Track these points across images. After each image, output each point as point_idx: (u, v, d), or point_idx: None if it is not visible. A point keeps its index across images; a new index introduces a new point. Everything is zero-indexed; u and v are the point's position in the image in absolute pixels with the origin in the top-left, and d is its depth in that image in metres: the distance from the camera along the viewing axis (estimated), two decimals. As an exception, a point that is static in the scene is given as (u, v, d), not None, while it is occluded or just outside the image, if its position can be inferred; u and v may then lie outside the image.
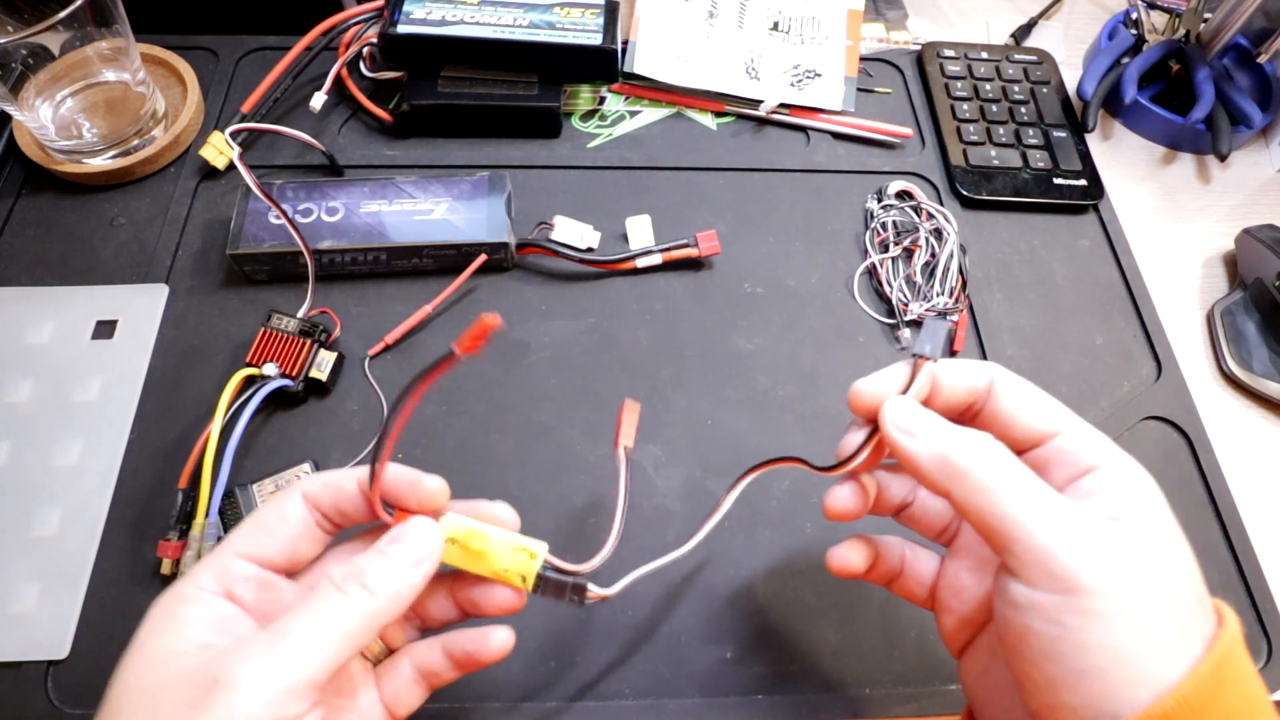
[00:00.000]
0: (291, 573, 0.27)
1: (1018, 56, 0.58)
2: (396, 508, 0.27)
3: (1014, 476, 0.24)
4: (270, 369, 0.40)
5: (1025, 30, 0.63)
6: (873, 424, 0.28)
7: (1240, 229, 0.51)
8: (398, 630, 0.30)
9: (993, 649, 0.28)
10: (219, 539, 0.37)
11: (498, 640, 0.28)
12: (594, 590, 0.28)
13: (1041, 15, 0.64)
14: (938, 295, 0.47)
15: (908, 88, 0.57)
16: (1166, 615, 0.22)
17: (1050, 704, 0.23)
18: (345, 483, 0.27)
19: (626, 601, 0.37)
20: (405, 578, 0.25)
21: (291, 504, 0.27)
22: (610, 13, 0.51)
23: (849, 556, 0.31)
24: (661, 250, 0.47)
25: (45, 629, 0.35)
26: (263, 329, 0.41)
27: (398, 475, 0.27)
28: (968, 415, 0.29)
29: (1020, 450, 0.27)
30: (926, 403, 0.28)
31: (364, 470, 0.26)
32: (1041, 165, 0.53)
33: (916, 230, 0.49)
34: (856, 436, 0.29)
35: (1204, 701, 0.21)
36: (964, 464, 0.24)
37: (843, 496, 0.30)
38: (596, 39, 0.50)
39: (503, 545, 0.27)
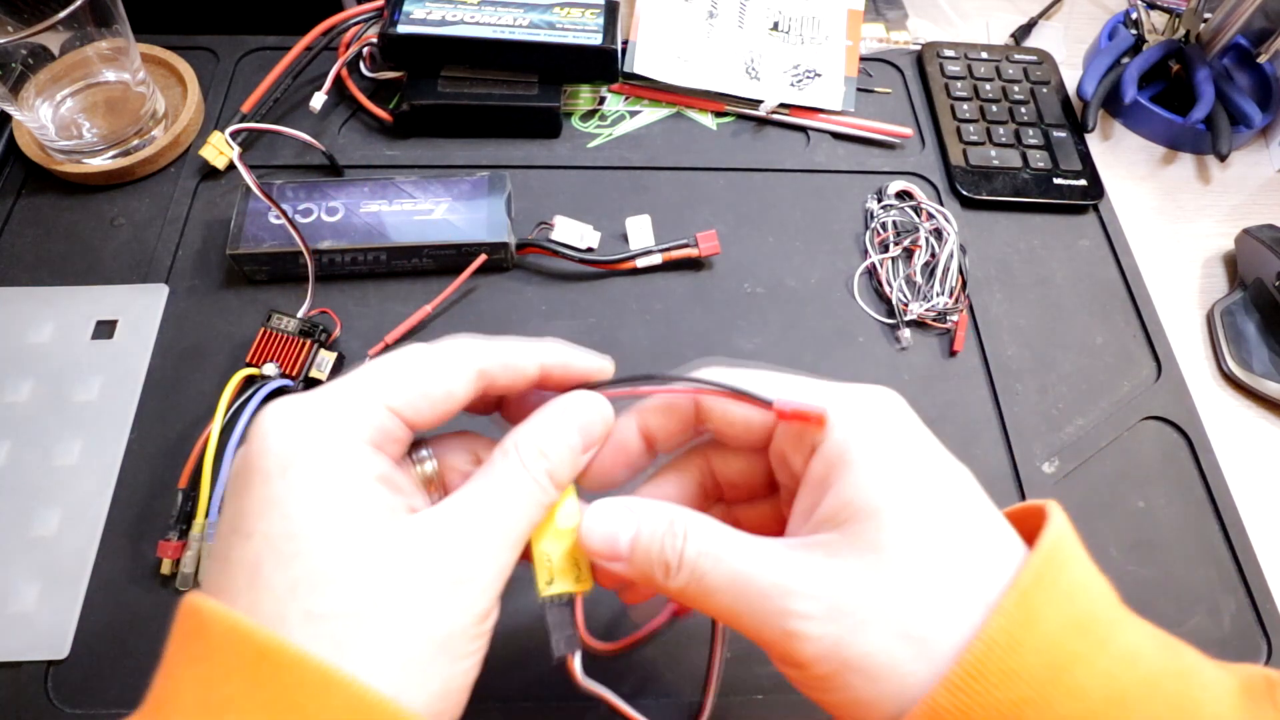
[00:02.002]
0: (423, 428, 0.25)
1: (1018, 56, 0.58)
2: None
3: (715, 571, 0.22)
4: (270, 369, 0.40)
5: (1025, 30, 0.63)
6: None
7: (1240, 229, 0.51)
8: (461, 471, 0.28)
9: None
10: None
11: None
12: (576, 663, 0.25)
13: (1041, 15, 0.64)
14: (937, 295, 0.47)
15: (908, 88, 0.57)
16: (893, 638, 0.20)
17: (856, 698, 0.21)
18: (528, 368, 0.25)
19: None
20: (579, 466, 0.25)
21: (463, 379, 0.24)
22: (610, 13, 0.51)
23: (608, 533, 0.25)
24: (661, 250, 0.47)
25: (45, 629, 0.35)
26: (263, 329, 0.41)
27: (563, 359, 0.25)
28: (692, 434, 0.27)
29: (759, 448, 0.26)
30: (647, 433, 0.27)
31: (545, 347, 0.25)
32: (1041, 165, 0.53)
33: (916, 230, 0.49)
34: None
35: (1023, 621, 0.19)
36: (678, 585, 0.23)
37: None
38: (596, 39, 0.50)
39: (573, 546, 0.25)
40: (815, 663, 0.21)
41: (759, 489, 0.28)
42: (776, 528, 0.27)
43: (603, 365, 0.27)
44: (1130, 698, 0.19)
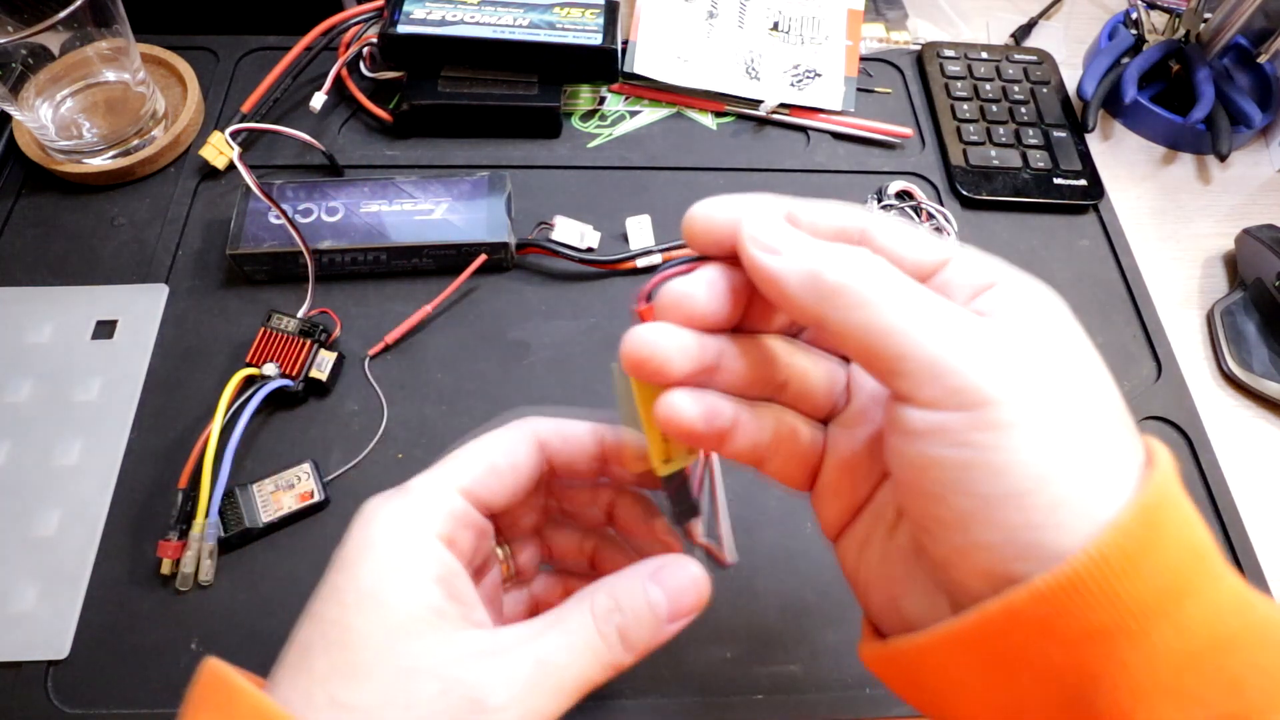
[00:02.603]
0: (501, 515, 0.25)
1: (1018, 56, 0.58)
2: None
3: (897, 286, 0.20)
4: (270, 369, 0.40)
5: (1025, 30, 0.63)
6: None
7: (1240, 229, 0.51)
8: (531, 553, 0.28)
9: (880, 520, 0.24)
10: (219, 539, 0.37)
11: (693, 577, 0.24)
12: (697, 529, 0.26)
13: (1041, 15, 0.64)
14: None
15: (908, 88, 0.57)
16: (1086, 432, 0.19)
17: (962, 546, 0.19)
18: (584, 438, 0.25)
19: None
20: (662, 638, 0.24)
21: (525, 449, 0.24)
22: (610, 13, 0.51)
23: (688, 408, 0.22)
24: (661, 250, 0.47)
25: (45, 629, 0.35)
26: (263, 329, 0.41)
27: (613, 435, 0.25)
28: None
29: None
30: None
31: (602, 428, 0.25)
32: (1041, 165, 0.53)
33: (916, 230, 0.49)
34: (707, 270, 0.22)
35: (1144, 540, 0.18)
36: (838, 278, 0.20)
37: (663, 341, 0.22)
38: (596, 39, 0.50)
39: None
40: (1002, 402, 0.18)
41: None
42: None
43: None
44: (1240, 643, 0.18)
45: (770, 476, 0.25)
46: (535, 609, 0.26)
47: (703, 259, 0.22)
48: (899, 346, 0.19)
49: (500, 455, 0.24)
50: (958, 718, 0.21)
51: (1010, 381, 0.18)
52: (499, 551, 0.27)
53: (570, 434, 0.25)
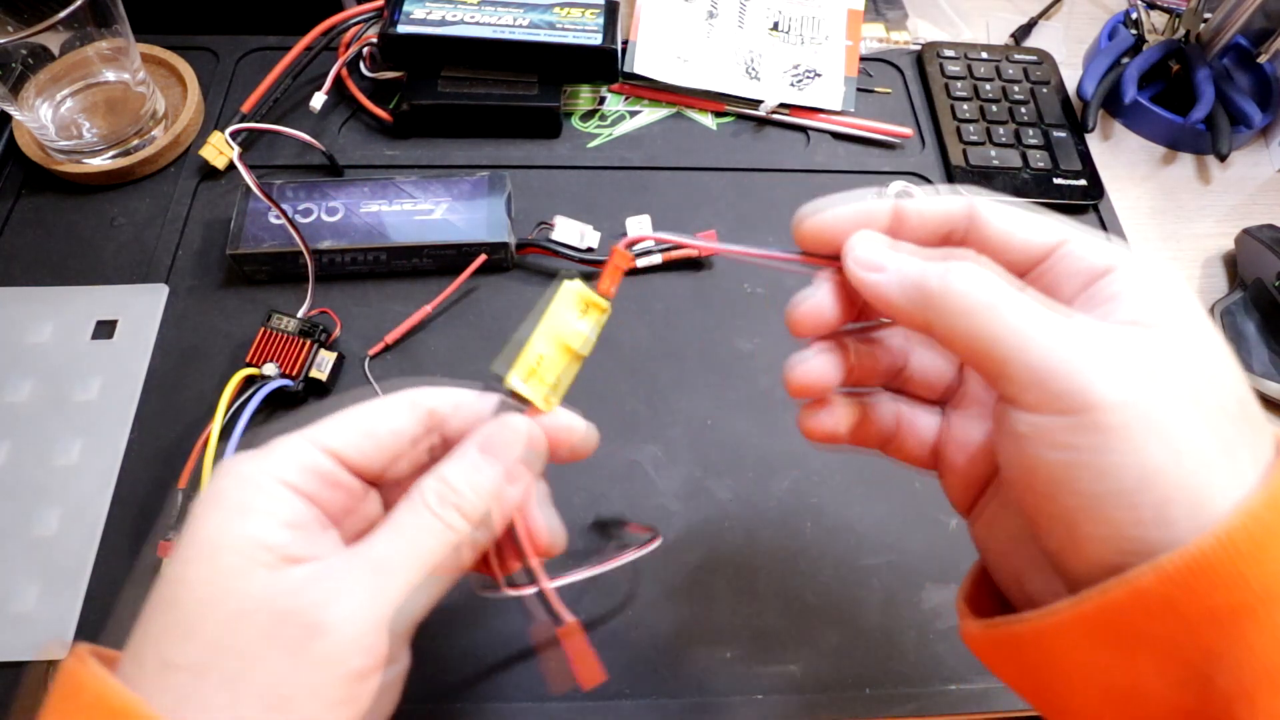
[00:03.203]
0: (376, 481, 0.25)
1: (1018, 56, 0.58)
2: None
3: (999, 291, 0.20)
4: (270, 369, 0.40)
5: (1025, 30, 0.63)
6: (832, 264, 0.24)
7: (1240, 229, 0.51)
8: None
9: (1003, 499, 0.25)
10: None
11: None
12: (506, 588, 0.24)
13: (1041, 15, 0.64)
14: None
15: (908, 88, 0.57)
16: (1201, 427, 0.18)
17: (1070, 539, 0.19)
18: (479, 406, 0.24)
19: (625, 601, 0.37)
20: (506, 500, 0.23)
21: (407, 416, 0.24)
22: (610, 13, 0.51)
23: (827, 420, 0.26)
24: (661, 250, 0.47)
25: (45, 629, 0.35)
26: (263, 329, 0.41)
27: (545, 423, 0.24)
28: (948, 243, 0.25)
29: (1021, 272, 0.23)
30: (894, 236, 0.24)
31: (500, 397, 0.24)
32: (1041, 165, 0.53)
33: (916, 230, 0.49)
34: (816, 291, 0.25)
35: (1271, 525, 0.17)
36: (941, 286, 0.21)
37: (814, 363, 0.24)
38: (596, 39, 0.50)
39: (562, 355, 0.25)
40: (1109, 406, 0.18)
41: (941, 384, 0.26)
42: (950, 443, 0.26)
43: (570, 424, 0.25)
44: None
45: (894, 457, 0.27)
46: None
47: (771, 255, 0.25)
48: (1002, 353, 0.20)
49: (378, 421, 0.24)
50: (1069, 701, 0.21)
51: (1116, 383, 0.19)
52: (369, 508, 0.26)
53: (463, 402, 0.24)
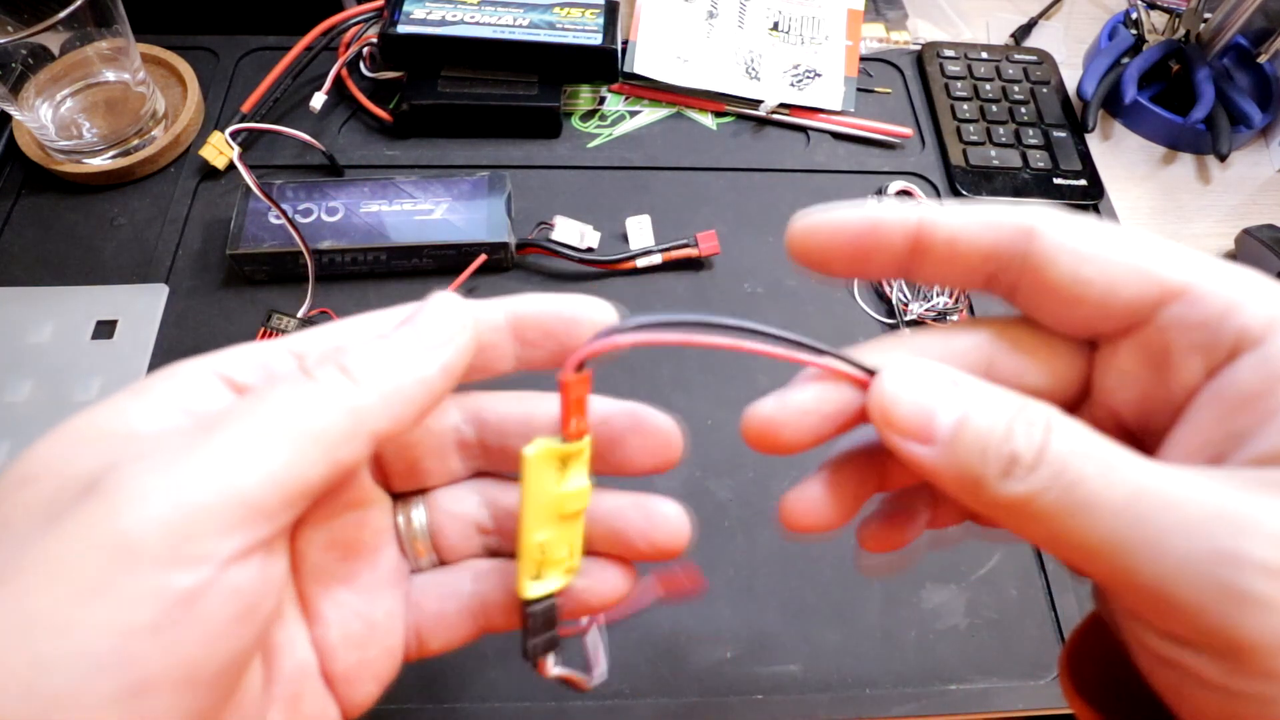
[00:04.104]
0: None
1: (1018, 56, 0.58)
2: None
3: (1096, 480, 0.14)
4: (270, 369, 0.40)
5: (1025, 30, 0.63)
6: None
7: (1240, 229, 0.51)
8: (462, 532, 0.21)
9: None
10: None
11: (670, 518, 0.19)
12: (553, 670, 0.21)
13: (1041, 15, 0.64)
14: (937, 295, 0.47)
15: (908, 88, 0.57)
16: None
17: None
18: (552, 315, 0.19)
19: (626, 601, 0.37)
20: (413, 366, 0.17)
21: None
22: (610, 13, 0.51)
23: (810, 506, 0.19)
24: (661, 250, 0.47)
25: (45, 629, 0.35)
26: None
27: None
28: (996, 286, 0.18)
29: (1112, 335, 0.17)
30: (915, 263, 0.18)
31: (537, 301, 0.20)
32: (1041, 165, 0.53)
33: (916, 230, 0.49)
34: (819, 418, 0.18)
35: None
36: (1011, 493, 0.15)
37: (809, 498, 0.19)
38: (596, 39, 0.50)
39: (573, 528, 0.20)
40: (1271, 650, 0.13)
41: (1054, 392, 0.18)
42: None
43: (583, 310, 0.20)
44: None
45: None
46: (482, 609, 0.20)
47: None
48: (1109, 568, 0.14)
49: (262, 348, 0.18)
50: None
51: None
52: (399, 520, 0.21)
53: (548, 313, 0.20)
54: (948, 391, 0.16)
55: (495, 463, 0.22)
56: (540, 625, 0.20)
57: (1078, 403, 0.18)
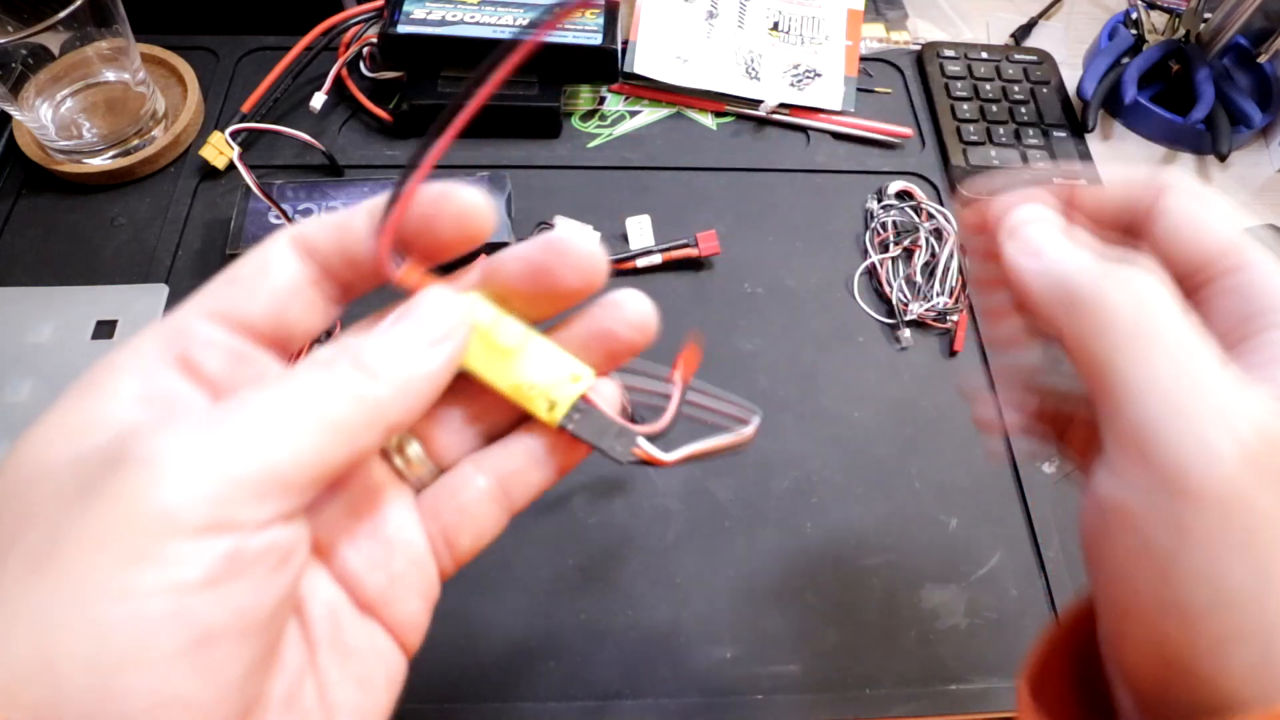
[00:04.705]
0: (282, 347, 0.20)
1: (1018, 56, 0.58)
2: (416, 255, 0.20)
3: (1149, 321, 0.17)
4: (270, 369, 0.40)
5: (1025, 30, 0.63)
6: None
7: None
8: (452, 437, 0.21)
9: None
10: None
11: (635, 307, 0.21)
12: (645, 447, 0.21)
13: (1041, 15, 0.64)
14: (938, 295, 0.47)
15: (908, 88, 0.57)
16: None
17: (1114, 638, 0.17)
18: (353, 220, 0.20)
19: (626, 601, 0.37)
20: (420, 361, 0.18)
21: (276, 249, 0.20)
22: (610, 13, 0.51)
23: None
24: (661, 250, 0.47)
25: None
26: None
27: (421, 197, 0.19)
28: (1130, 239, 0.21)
29: (1190, 289, 0.19)
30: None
31: (377, 200, 0.20)
32: (1042, 165, 0.53)
33: (916, 230, 0.49)
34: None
35: None
36: (1087, 298, 0.18)
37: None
38: (596, 39, 0.50)
39: (541, 355, 0.20)
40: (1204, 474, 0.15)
41: None
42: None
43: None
44: None
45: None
46: (502, 490, 0.20)
47: None
48: (1118, 392, 0.17)
49: (244, 265, 0.20)
50: None
51: (1224, 468, 0.15)
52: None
53: (334, 222, 0.20)
54: (1054, 222, 0.21)
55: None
56: (596, 430, 0.20)
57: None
